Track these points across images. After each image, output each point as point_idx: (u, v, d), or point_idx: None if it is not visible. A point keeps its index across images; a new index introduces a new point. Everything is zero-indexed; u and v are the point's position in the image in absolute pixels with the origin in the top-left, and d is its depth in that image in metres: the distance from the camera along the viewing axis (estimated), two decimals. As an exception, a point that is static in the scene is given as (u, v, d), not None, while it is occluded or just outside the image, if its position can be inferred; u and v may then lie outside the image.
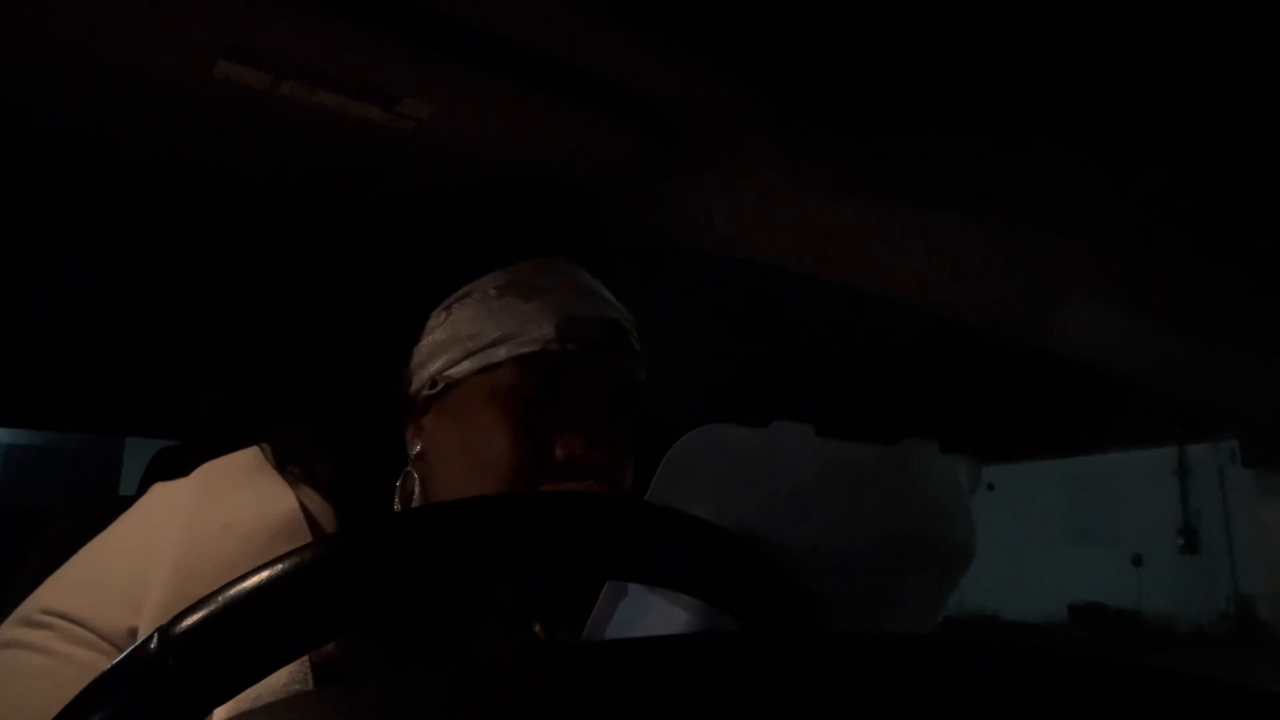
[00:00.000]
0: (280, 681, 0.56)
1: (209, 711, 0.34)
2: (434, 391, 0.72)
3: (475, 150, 0.89)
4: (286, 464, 0.70)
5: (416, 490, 0.72)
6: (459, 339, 0.72)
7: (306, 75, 0.74)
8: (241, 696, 0.35)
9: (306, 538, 0.63)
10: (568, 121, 0.84)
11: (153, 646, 0.33)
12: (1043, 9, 0.66)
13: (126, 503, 0.70)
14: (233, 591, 0.35)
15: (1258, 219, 0.72)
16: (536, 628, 0.70)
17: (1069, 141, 0.73)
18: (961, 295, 0.91)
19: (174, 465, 0.78)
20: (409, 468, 0.73)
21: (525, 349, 0.70)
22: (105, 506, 0.74)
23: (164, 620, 0.56)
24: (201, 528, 0.63)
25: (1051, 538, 13.04)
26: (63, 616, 0.59)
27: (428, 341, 0.74)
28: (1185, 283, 0.76)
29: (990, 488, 13.50)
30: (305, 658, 0.58)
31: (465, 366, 0.71)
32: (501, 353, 0.70)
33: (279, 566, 0.36)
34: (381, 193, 1.01)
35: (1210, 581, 11.52)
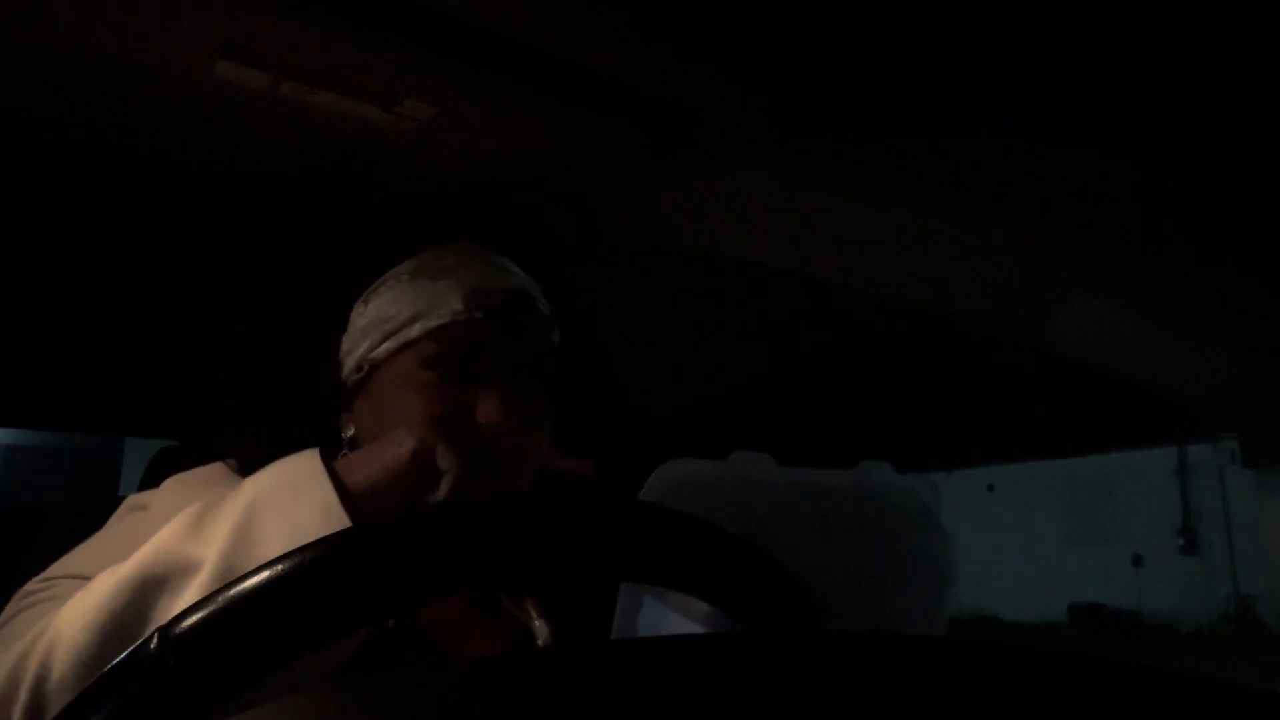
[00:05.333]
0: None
1: (209, 711, 0.34)
2: (360, 375, 0.77)
3: (475, 150, 0.89)
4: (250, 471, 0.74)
5: None
6: (378, 323, 0.77)
7: (306, 75, 0.74)
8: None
9: None
10: (568, 122, 0.84)
11: (153, 646, 0.33)
12: (1041, 9, 0.66)
13: (127, 503, 0.71)
14: (232, 592, 0.35)
15: (1258, 219, 0.71)
16: (538, 624, 0.70)
17: (1069, 141, 0.73)
18: (961, 295, 0.91)
19: (174, 465, 0.79)
20: (344, 452, 0.77)
21: (436, 323, 0.74)
22: (105, 506, 0.74)
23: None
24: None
25: (1051, 538, 13.03)
26: (66, 576, 0.63)
27: (352, 330, 0.79)
28: (1185, 283, 0.76)
29: (990, 488, 13.50)
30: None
31: (386, 348, 0.76)
32: (415, 330, 0.75)
33: (278, 567, 0.35)
34: (381, 193, 1.01)
35: (1210, 581, 11.51)
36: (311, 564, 0.36)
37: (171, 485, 0.73)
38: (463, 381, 0.74)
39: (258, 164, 0.94)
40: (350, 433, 0.77)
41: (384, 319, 0.77)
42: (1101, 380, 0.87)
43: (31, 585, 0.63)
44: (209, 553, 0.53)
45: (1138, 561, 12.30)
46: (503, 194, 1.00)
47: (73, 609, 0.53)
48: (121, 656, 0.34)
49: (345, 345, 0.80)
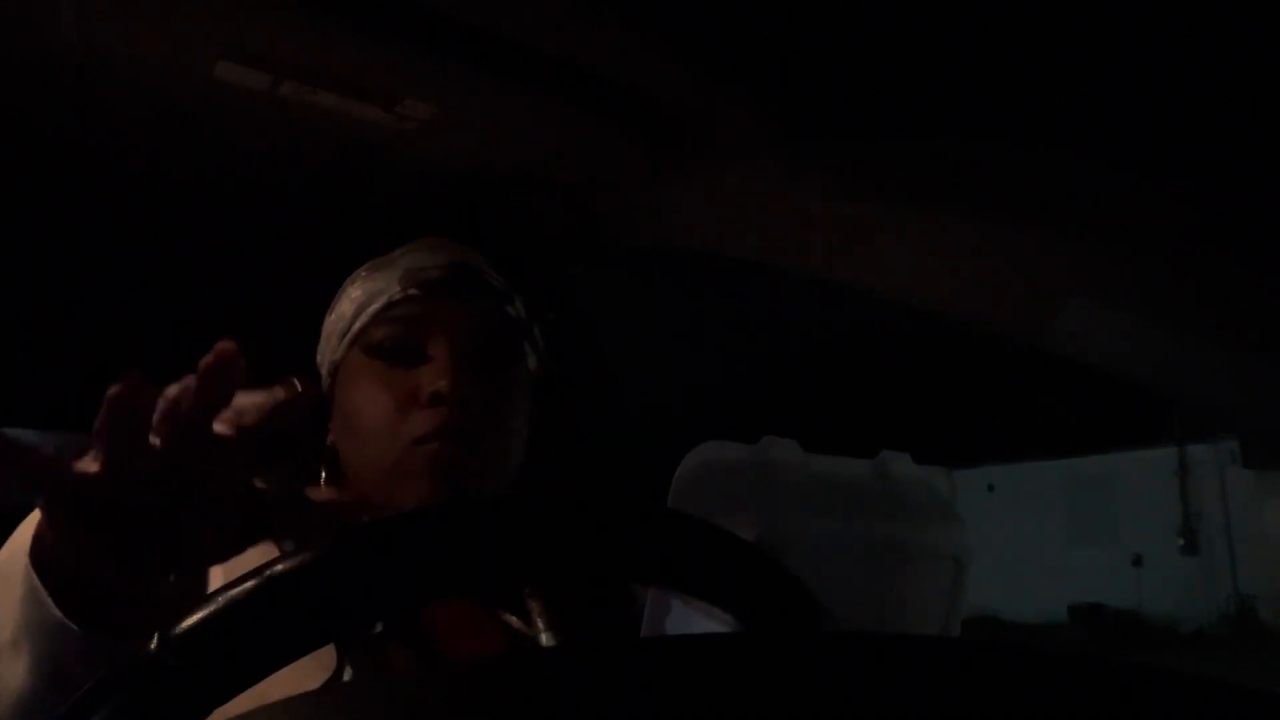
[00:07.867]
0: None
1: (209, 711, 0.34)
2: (330, 382, 0.77)
3: (475, 150, 0.89)
4: None
5: (323, 476, 0.76)
6: (336, 328, 0.77)
7: (306, 76, 0.74)
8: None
9: None
10: (567, 123, 0.84)
11: (153, 646, 0.33)
12: (1040, 9, 0.66)
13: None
14: (233, 592, 0.35)
15: (1258, 219, 0.72)
16: (540, 626, 0.70)
17: (1068, 141, 0.73)
18: (961, 295, 0.91)
19: (174, 465, 0.79)
20: (325, 454, 0.77)
21: (374, 307, 0.74)
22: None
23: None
24: None
25: (1052, 538, 13.03)
26: None
27: (321, 341, 0.80)
28: (1185, 283, 0.76)
29: (990, 488, 13.50)
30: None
31: (342, 348, 0.76)
32: (360, 321, 0.75)
33: (278, 567, 0.35)
34: (382, 193, 1.01)
35: (1210, 581, 11.51)
36: (312, 564, 0.36)
37: None
38: (409, 365, 0.71)
39: (258, 164, 0.94)
40: (330, 440, 0.77)
41: (339, 320, 0.77)
42: (1101, 380, 0.86)
43: None
44: None
45: (1138, 561, 12.30)
46: (503, 194, 1.00)
47: None
48: (121, 656, 0.33)
49: (319, 356, 0.80)
